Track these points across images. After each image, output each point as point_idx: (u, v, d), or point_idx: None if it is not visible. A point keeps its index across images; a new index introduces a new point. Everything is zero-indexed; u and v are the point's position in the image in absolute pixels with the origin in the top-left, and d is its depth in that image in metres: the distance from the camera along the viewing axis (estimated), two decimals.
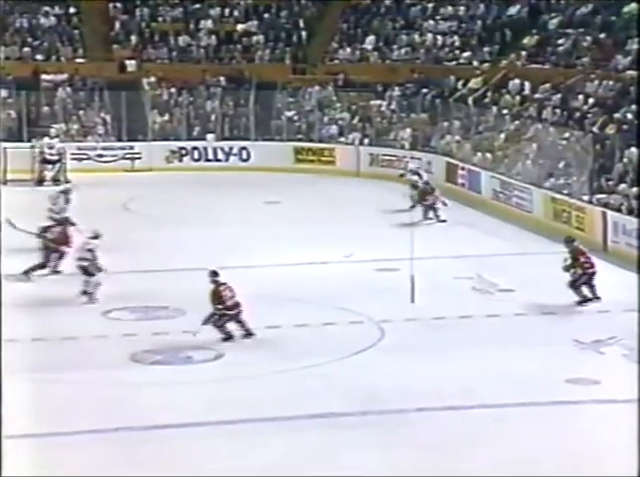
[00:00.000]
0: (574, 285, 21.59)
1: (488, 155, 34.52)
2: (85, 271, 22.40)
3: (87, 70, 40.61)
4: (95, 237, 22.72)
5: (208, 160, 39.17)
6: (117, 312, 21.60)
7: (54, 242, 24.11)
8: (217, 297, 19.44)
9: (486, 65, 38.37)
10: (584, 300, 21.57)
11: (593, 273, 21.74)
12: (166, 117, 40.48)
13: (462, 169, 34.72)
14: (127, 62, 41.10)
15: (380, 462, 14.79)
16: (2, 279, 17.30)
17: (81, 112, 40.12)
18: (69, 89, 40.07)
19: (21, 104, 39.14)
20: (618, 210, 27.03)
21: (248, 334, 19.68)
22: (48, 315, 21.18)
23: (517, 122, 34.41)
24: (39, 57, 41.45)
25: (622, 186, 27.64)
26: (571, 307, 21.39)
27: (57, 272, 24.09)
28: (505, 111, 35.38)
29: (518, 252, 25.64)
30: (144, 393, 17.51)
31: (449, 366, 18.23)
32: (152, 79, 40.66)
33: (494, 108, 35.98)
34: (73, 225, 25.17)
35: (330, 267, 23.64)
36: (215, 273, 19.74)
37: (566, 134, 31.50)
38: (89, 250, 22.56)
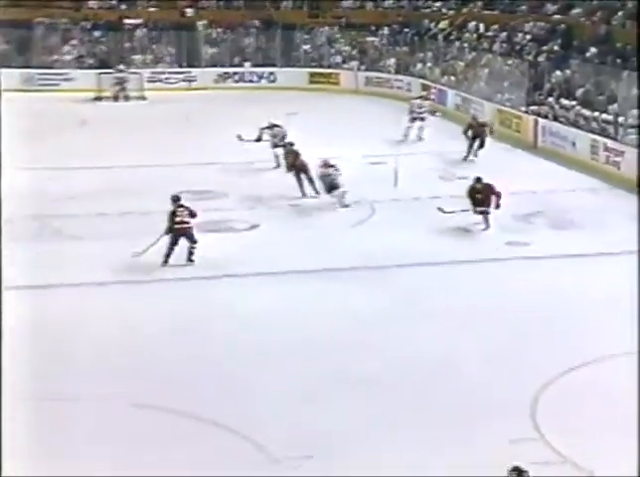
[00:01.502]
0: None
1: (452, 78, 34.41)
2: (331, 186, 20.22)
3: (157, 15, 40.17)
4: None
5: (245, 81, 38.91)
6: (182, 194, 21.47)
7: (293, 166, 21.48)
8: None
9: (452, 11, 37.92)
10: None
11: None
12: (215, 50, 40.18)
13: (433, 88, 34.50)
14: (186, 9, 40.59)
15: (365, 305, 14.90)
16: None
17: (154, 47, 39.85)
18: (144, 30, 39.71)
19: (110, 42, 38.96)
20: (546, 117, 27.11)
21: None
22: None
23: (474, 53, 34.17)
24: (122, 6, 40.89)
25: (549, 99, 27.66)
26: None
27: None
28: (465, 45, 35.14)
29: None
30: (204, 252, 17.28)
31: (422, 233, 18.32)
32: (204, 21, 40.22)
33: (457, 43, 35.71)
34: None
35: (339, 162, 23.62)
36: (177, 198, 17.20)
37: (510, 62, 31.51)
38: (330, 166, 20.38)
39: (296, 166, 21.24)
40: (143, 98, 35.35)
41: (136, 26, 39.76)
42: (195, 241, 16.72)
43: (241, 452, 10.73)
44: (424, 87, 34.85)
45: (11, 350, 12.02)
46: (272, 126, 23.86)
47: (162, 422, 11.40)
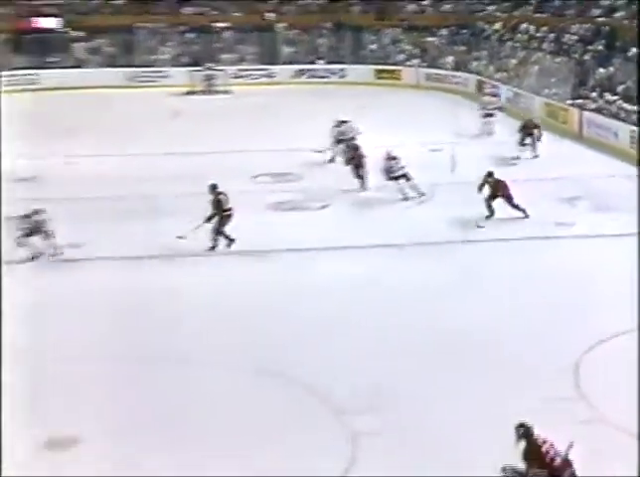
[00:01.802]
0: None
1: (505, 74, 33.83)
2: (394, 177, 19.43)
3: (242, 19, 40.18)
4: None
5: (318, 77, 38.78)
6: (261, 177, 21.62)
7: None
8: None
9: (505, 14, 37.34)
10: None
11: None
12: (292, 49, 40.10)
13: (487, 84, 33.97)
14: (267, 14, 40.52)
15: (426, 277, 14.83)
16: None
17: (238, 47, 39.92)
18: (231, 32, 39.79)
19: (201, 43, 39.14)
20: (590, 110, 26.60)
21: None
22: None
23: (525, 52, 33.63)
24: (212, 12, 40.93)
25: (593, 94, 27.19)
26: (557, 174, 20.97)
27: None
28: (517, 45, 34.63)
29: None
30: (282, 228, 17.48)
31: (477, 213, 18.05)
32: (283, 24, 40.16)
33: (509, 43, 35.19)
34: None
35: (400, 149, 23.43)
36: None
37: (557, 60, 30.90)
38: (392, 159, 19.55)
39: (354, 159, 20.76)
40: (229, 92, 35.48)
41: (224, 29, 39.85)
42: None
43: (310, 403, 10.82)
44: (479, 83, 34.44)
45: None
46: (341, 123, 23.19)
47: (249, 379, 11.54)
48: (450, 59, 37.72)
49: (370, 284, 14.45)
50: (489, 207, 17.71)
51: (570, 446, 7.99)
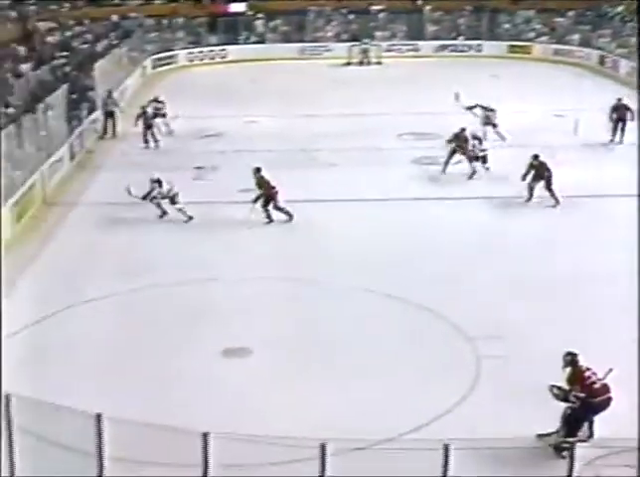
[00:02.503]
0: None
1: (626, 50, 31.61)
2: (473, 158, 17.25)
3: (395, 3, 38.87)
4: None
5: (458, 51, 37.44)
6: (405, 136, 21.19)
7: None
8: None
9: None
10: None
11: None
12: (436, 27, 38.76)
13: (609, 58, 31.89)
14: (418, 1, 39.23)
15: (547, 226, 14.11)
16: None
17: (391, 25, 38.97)
18: (385, 14, 38.76)
19: (359, 22, 38.39)
20: None
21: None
22: None
23: None
24: None
25: None
26: None
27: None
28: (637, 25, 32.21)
29: None
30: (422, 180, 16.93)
31: (595, 170, 16.96)
32: (430, 7, 38.87)
33: (630, 24, 32.76)
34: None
35: (528, 114, 22.45)
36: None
37: None
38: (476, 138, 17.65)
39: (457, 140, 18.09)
40: (381, 63, 35.09)
41: (379, 11, 39.06)
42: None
43: (443, 330, 10.55)
44: (601, 58, 32.44)
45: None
46: (475, 106, 20.33)
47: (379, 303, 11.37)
48: (576, 36, 35.76)
49: (495, 231, 13.97)
50: (530, 189, 15.49)
51: (609, 372, 7.94)
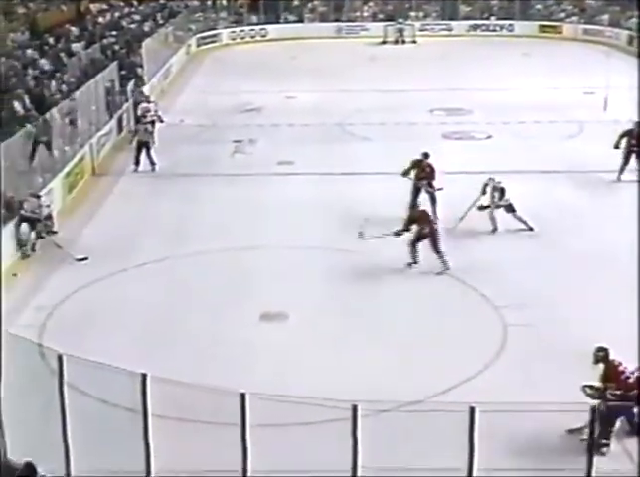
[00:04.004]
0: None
1: None
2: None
3: None
4: None
5: (489, 31, 36.65)
6: (437, 111, 20.82)
7: None
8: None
9: None
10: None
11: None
12: (469, 8, 37.98)
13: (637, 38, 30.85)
14: None
15: (572, 198, 13.75)
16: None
17: (425, 6, 38.26)
18: None
19: (394, 3, 37.78)
20: None
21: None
22: None
23: None
24: None
25: None
26: None
27: None
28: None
29: None
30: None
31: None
32: None
33: None
34: None
35: (558, 91, 21.96)
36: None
37: None
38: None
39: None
40: (415, 42, 34.54)
41: None
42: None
43: (473, 299, 10.43)
44: (630, 37, 31.48)
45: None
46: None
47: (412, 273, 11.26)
48: (606, 17, 34.80)
49: (524, 204, 13.67)
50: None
51: None
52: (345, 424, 6.10)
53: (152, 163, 16.17)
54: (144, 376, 6.38)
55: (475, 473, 6.02)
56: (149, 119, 17.03)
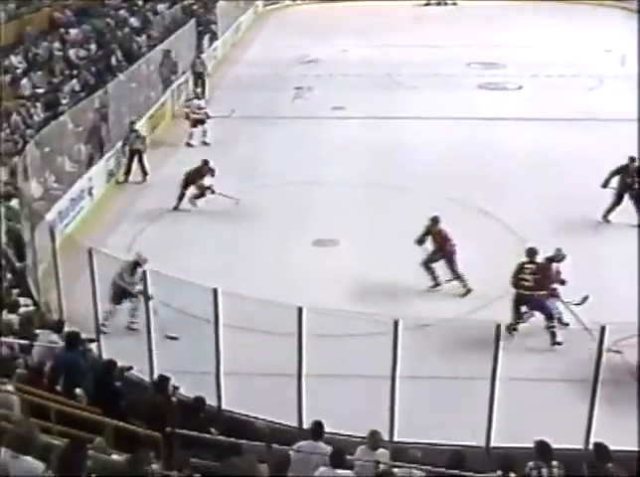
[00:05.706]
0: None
1: None
2: None
3: None
4: None
5: None
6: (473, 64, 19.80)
7: None
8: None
9: None
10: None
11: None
12: None
13: None
14: None
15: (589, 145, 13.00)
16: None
17: None
18: None
19: None
20: None
21: None
22: None
23: None
24: None
25: None
26: None
27: None
28: None
29: None
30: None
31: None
32: None
33: None
34: None
35: (580, 48, 20.62)
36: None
37: None
38: None
39: None
40: (456, 4, 32.77)
41: None
42: None
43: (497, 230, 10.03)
44: None
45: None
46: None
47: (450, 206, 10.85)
48: None
49: (548, 149, 13.10)
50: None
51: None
52: (388, 337, 5.96)
53: (144, 172, 12.61)
54: (215, 290, 6.31)
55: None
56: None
